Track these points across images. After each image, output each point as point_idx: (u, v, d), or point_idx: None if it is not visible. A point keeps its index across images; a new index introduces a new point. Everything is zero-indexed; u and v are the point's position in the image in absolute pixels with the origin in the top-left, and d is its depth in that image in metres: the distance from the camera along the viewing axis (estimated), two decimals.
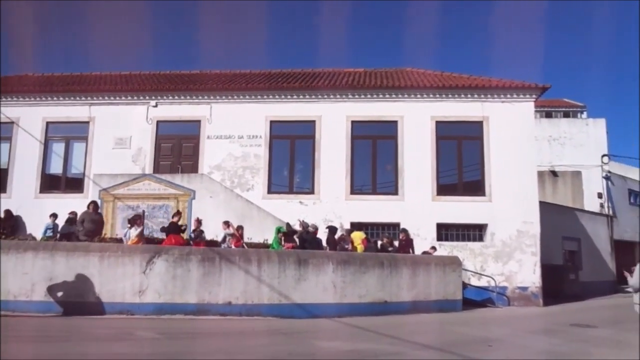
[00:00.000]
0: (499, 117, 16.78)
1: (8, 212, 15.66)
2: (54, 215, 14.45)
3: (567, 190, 25.83)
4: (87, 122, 17.76)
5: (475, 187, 16.78)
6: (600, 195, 25.68)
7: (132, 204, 15.47)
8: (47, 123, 17.88)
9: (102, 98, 17.88)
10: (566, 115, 37.57)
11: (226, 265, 10.99)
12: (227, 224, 13.10)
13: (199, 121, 17.53)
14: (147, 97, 17.76)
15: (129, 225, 12.44)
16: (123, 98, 17.85)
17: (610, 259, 24.51)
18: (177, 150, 17.60)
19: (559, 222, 20.51)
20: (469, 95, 17.04)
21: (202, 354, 7.04)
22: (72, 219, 13.13)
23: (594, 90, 78.24)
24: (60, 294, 10.10)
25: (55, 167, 17.85)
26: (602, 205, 25.53)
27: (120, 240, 12.41)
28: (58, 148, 17.90)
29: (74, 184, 17.51)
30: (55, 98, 17.99)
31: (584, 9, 75.26)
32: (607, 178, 26.18)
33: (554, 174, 26.15)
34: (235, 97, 17.59)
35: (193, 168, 17.19)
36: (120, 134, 17.51)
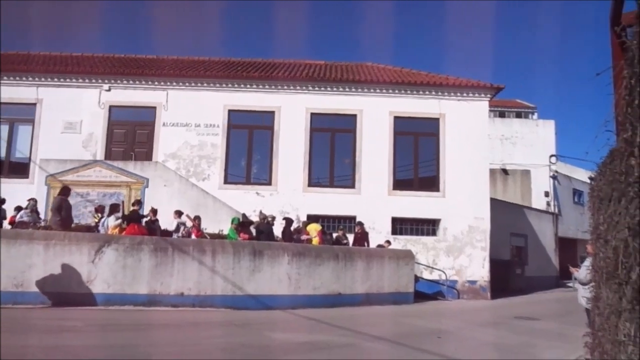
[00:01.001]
0: (454, 115, 17.16)
1: None
2: (1, 201, 13.65)
3: (517, 188, 26.82)
4: (34, 104, 16.95)
5: (430, 182, 17.12)
6: (547, 194, 26.78)
7: (82, 191, 14.91)
8: None
9: (51, 80, 17.11)
10: (518, 115, 38.84)
11: (179, 255, 10.79)
12: (178, 213, 12.83)
13: (155, 108, 17.07)
14: (99, 81, 17.13)
15: (95, 214, 12.08)
16: (74, 80, 17.14)
17: (554, 255, 25.65)
18: (131, 136, 17.09)
19: (508, 219, 21.25)
20: (427, 92, 17.33)
21: (152, 345, 6.89)
22: (34, 207, 12.59)
23: (545, 92, 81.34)
24: (47, 286, 9.73)
25: None
26: (548, 204, 26.63)
27: (90, 229, 11.97)
28: (1, 130, 16.99)
29: (19, 169, 16.72)
30: None
31: (535, 12, 77.90)
32: (554, 177, 27.30)
33: (505, 172, 27.06)
34: (193, 84, 17.22)
35: (147, 156, 16.73)
36: (70, 118, 16.82)
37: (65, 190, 11.72)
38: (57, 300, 9.89)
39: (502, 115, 37.03)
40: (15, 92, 16.91)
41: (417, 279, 14.97)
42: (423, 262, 16.27)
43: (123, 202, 14.09)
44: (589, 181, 3.57)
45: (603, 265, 3.01)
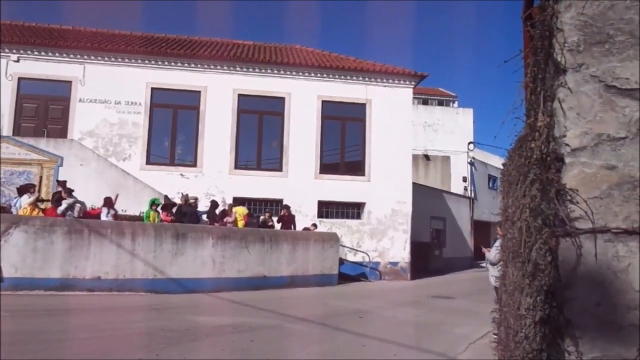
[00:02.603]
0: (380, 101, 17.54)
1: None
2: None
3: (437, 173, 28.03)
4: None
5: (355, 167, 17.45)
6: (464, 179, 28.21)
7: None
8: None
9: None
10: (440, 103, 40.43)
11: (96, 238, 10.32)
12: (68, 191, 11.68)
13: (70, 82, 16.01)
14: (6, 50, 15.77)
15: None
16: None
17: (470, 237, 27.15)
18: (43, 112, 15.96)
19: (428, 203, 22.16)
20: (354, 78, 17.55)
21: (61, 332, 6.56)
22: None
23: (464, 81, 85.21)
24: None
25: None
26: (465, 189, 28.07)
27: (6, 210, 11.03)
28: None
29: None
30: None
31: (454, 3, 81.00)
32: (471, 164, 28.78)
33: (426, 158, 28.16)
34: (113, 59, 16.31)
35: (62, 133, 15.70)
36: None
37: None
38: None
39: (425, 102, 38.40)
40: None
41: (341, 261, 15.29)
42: (348, 244, 16.63)
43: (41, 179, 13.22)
44: (502, 167, 3.79)
45: (510, 245, 3.22)
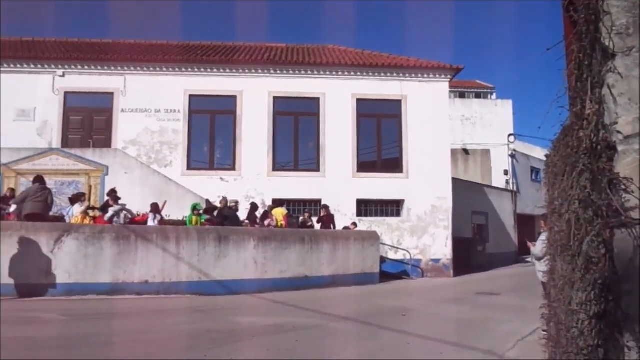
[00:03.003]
0: (416, 97, 17.35)
1: None
2: None
3: (477, 167, 27.47)
4: None
5: (393, 164, 17.33)
6: (506, 173, 27.55)
7: None
8: None
9: (1, 65, 16.32)
10: (477, 96, 39.64)
11: (142, 243, 10.61)
12: (114, 198, 12.08)
13: (112, 93, 16.56)
14: (53, 66, 16.46)
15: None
16: (25, 66, 16.42)
17: (513, 232, 26.50)
18: (88, 123, 16.57)
19: (469, 198, 21.77)
20: (389, 74, 17.43)
21: (113, 335, 6.78)
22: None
23: (502, 72, 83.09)
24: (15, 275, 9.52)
25: None
26: (507, 182, 27.41)
27: (58, 219, 11.56)
28: None
29: None
30: None
31: None
32: (512, 156, 28.08)
33: (465, 152, 27.64)
34: (152, 69, 16.77)
35: (106, 143, 16.26)
36: (22, 105, 16.13)
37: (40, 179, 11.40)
38: (17, 292, 9.62)
39: (462, 95, 37.72)
40: None
41: (382, 259, 15.22)
42: (388, 242, 16.53)
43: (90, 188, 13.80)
44: (545, 159, 3.68)
45: (557, 239, 3.12)
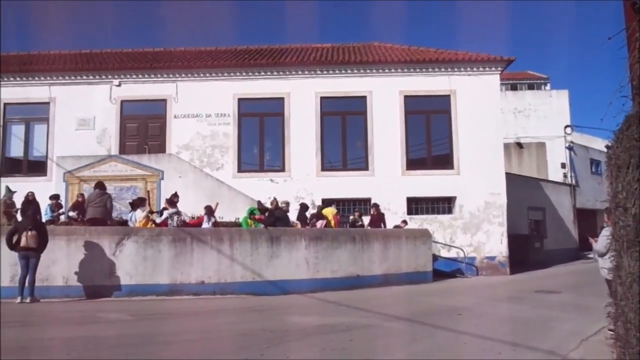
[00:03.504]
0: (465, 91, 16.95)
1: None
2: (56, 197, 13.40)
3: (532, 161, 26.50)
4: (48, 103, 17.13)
5: (443, 160, 17.01)
6: (563, 166, 26.44)
7: None
8: (5, 105, 17.18)
9: (62, 78, 17.25)
10: (530, 87, 38.20)
11: (198, 245, 10.94)
12: (170, 202, 12.39)
13: (165, 100, 17.14)
14: (109, 76, 17.22)
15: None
16: (84, 77, 17.27)
17: (573, 227, 25.40)
18: (144, 130, 17.22)
19: (524, 193, 21.06)
20: (436, 69, 17.13)
21: (173, 334, 7.02)
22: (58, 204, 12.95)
23: (557, 62, 79.77)
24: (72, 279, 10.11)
25: (16, 150, 17.25)
26: (565, 175, 26.30)
27: (121, 223, 12.13)
28: (18, 130, 17.27)
29: (36, 167, 16.98)
30: (12, 79, 17.25)
31: None
32: (570, 148, 26.91)
33: (519, 145, 26.74)
34: (202, 75, 17.23)
35: (160, 148, 16.84)
36: (82, 115, 16.98)
37: (100, 184, 12.01)
38: (82, 293, 10.15)
39: (514, 87, 36.50)
40: (29, 92, 17.13)
41: (435, 257, 14.98)
42: (440, 240, 16.24)
43: (149, 193, 14.36)
44: (606, 150, 3.51)
45: (623, 234, 2.98)
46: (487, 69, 17.09)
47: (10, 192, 12.66)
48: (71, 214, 12.36)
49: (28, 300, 9.29)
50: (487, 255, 16.44)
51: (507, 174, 17.35)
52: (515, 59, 17.16)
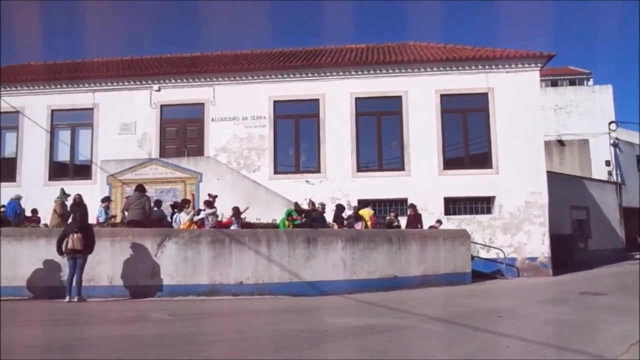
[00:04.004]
0: (504, 88, 16.61)
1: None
2: (107, 200, 13.91)
3: (575, 159, 25.67)
4: (92, 109, 17.80)
5: (481, 159, 16.71)
6: (608, 163, 25.51)
7: None
8: (52, 111, 17.94)
9: (105, 84, 17.87)
10: (572, 83, 37.04)
11: (236, 246, 11.11)
12: (207, 203, 12.70)
13: (203, 104, 17.49)
14: (149, 82, 17.72)
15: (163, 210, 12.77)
16: (126, 83, 17.83)
17: (619, 227, 24.46)
18: (182, 133, 17.63)
19: (566, 192, 20.43)
20: (473, 67, 16.85)
21: (214, 334, 7.16)
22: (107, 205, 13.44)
23: (600, 57, 76.91)
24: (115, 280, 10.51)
25: (63, 155, 17.99)
26: (610, 173, 25.38)
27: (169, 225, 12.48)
28: (64, 135, 18.00)
29: (82, 171, 17.65)
30: (59, 86, 18.00)
31: None
32: (614, 145, 25.95)
33: (561, 143, 25.97)
34: (238, 78, 17.50)
35: (199, 151, 17.21)
36: (124, 120, 17.54)
37: (140, 187, 12.39)
38: (126, 293, 10.48)
39: (554, 84, 35.51)
40: (74, 98, 17.83)
41: (473, 258, 14.73)
42: (479, 241, 15.96)
43: (193, 195, 14.71)
44: None
45: None
46: (527, 65, 16.70)
47: (64, 195, 13.26)
48: (126, 213, 12.74)
49: (75, 300, 9.64)
50: (529, 256, 16.05)
51: (548, 172, 16.89)
52: (555, 55, 16.72)
